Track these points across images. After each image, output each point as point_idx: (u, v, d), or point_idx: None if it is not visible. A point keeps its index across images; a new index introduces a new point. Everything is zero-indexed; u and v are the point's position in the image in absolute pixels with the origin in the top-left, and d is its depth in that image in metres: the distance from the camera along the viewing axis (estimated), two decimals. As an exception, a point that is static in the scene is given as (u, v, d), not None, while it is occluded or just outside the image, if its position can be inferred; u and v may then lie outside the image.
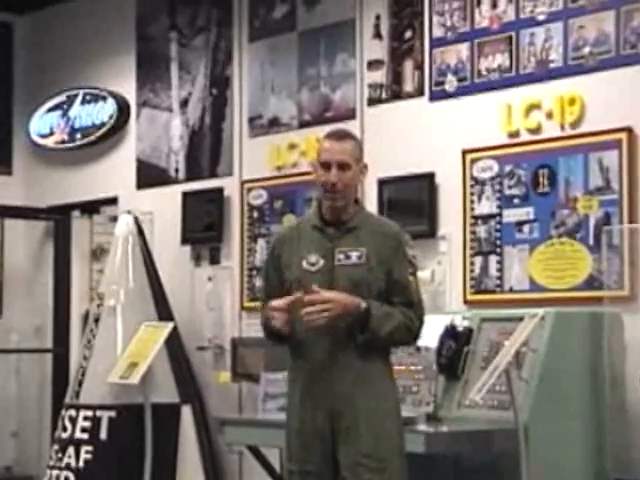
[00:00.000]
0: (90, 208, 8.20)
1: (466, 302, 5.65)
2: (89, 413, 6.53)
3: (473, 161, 5.68)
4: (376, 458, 3.78)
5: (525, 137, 5.51)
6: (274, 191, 6.68)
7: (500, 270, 5.55)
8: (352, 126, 5.99)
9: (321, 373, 3.83)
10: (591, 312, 5.00)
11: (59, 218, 8.27)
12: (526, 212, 5.47)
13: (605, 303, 5.04)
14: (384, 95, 6.17)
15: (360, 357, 3.83)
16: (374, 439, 3.79)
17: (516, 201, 5.51)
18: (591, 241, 5.21)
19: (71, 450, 6.51)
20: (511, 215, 5.52)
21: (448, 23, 5.85)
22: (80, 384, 6.68)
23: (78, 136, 7.91)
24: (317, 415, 3.83)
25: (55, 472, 6.55)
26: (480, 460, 4.67)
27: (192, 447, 6.63)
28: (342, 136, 3.97)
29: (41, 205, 8.29)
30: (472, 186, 5.67)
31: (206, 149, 7.14)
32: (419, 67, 5.99)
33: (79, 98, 7.90)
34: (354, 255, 3.87)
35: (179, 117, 7.31)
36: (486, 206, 5.62)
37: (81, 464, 6.46)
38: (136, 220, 6.97)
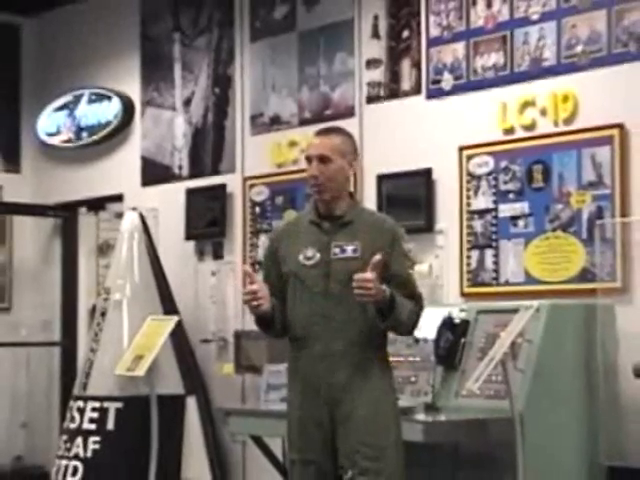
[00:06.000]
0: (96, 205, 8.20)
1: (463, 295, 5.66)
2: (96, 404, 6.54)
3: (469, 157, 5.68)
4: (373, 447, 3.79)
5: (520, 134, 5.51)
6: (275, 187, 6.69)
7: (496, 263, 5.55)
8: (351, 124, 6.01)
9: (320, 364, 3.83)
10: (585, 304, 5.00)
11: (66, 215, 8.28)
12: (521, 207, 5.47)
13: (598, 295, 5.04)
14: (382, 93, 6.17)
15: (358, 347, 3.83)
16: (372, 428, 3.80)
17: (511, 196, 5.51)
18: (584, 235, 5.22)
19: (79, 440, 6.52)
20: (506, 210, 5.52)
21: (444, 23, 5.85)
22: (88, 376, 6.69)
23: (84, 135, 7.92)
24: (316, 405, 3.83)
25: (64, 462, 6.56)
26: (477, 448, 4.67)
27: (197, 437, 6.65)
28: (327, 131, 4.02)
29: (49, 202, 8.30)
30: (468, 181, 5.67)
31: (209, 147, 7.14)
32: (416, 66, 5.99)
33: (85, 98, 7.91)
34: (349, 248, 3.87)
35: (182, 116, 7.31)
36: (482, 201, 5.62)
37: (89, 454, 6.48)
38: (141, 216, 6.99)
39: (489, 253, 5.58)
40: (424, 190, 5.85)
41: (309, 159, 3.94)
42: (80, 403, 6.63)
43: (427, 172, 5.86)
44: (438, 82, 5.87)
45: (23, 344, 8.19)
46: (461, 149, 5.71)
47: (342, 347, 3.82)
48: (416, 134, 5.97)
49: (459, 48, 5.77)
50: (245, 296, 3.85)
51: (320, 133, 4.00)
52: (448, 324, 5.00)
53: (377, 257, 3.70)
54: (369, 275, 3.68)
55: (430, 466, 4.76)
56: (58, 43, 8.30)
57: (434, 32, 5.90)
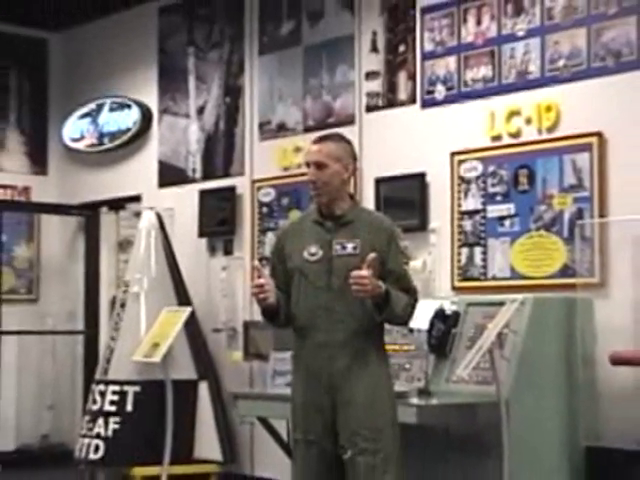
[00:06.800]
0: (117, 205, 8.20)
1: (454, 288, 5.65)
2: (116, 388, 6.55)
3: (460, 162, 5.67)
4: (371, 429, 3.77)
5: (506, 140, 5.51)
6: (281, 189, 6.68)
7: (484, 260, 5.54)
8: (351, 131, 6.01)
9: (322, 353, 3.81)
10: (565, 298, 4.99)
11: (89, 214, 8.28)
12: (507, 208, 5.46)
13: (578, 289, 5.04)
14: (380, 103, 6.16)
15: (357, 337, 3.81)
16: (369, 412, 3.78)
17: (498, 198, 5.50)
18: (566, 234, 5.21)
19: (101, 421, 6.53)
20: (494, 210, 5.51)
21: (437, 38, 5.84)
22: (108, 362, 6.69)
23: (106, 140, 7.92)
24: (318, 392, 3.81)
25: (87, 440, 6.57)
26: (466, 430, 4.66)
27: (208, 418, 6.65)
28: (323, 139, 3.97)
29: (73, 202, 8.30)
30: (459, 184, 5.67)
31: (220, 151, 7.14)
32: (412, 77, 5.98)
33: (107, 106, 7.91)
34: (350, 246, 3.85)
35: (196, 123, 7.31)
36: (472, 202, 5.62)
37: (109, 433, 6.48)
38: (158, 215, 6.99)
39: (478, 250, 5.58)
40: (418, 192, 5.84)
41: (307, 165, 3.92)
42: (101, 387, 6.63)
43: (421, 175, 5.85)
44: (432, 93, 5.86)
45: (50, 332, 8.21)
46: (452, 154, 5.70)
47: (342, 337, 3.81)
48: (411, 140, 5.96)
49: (451, 61, 5.77)
50: (253, 289, 3.83)
51: (317, 140, 3.96)
52: (440, 315, 4.99)
53: (371, 255, 3.69)
54: (364, 272, 3.66)
55: (423, 446, 4.76)
56: (82, 56, 8.31)
57: (428, 47, 5.89)
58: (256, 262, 4.09)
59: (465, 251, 5.63)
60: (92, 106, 8.02)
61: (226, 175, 7.08)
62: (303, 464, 3.87)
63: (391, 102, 6.10)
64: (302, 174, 6.34)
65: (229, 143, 7.08)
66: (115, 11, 7.92)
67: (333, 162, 3.87)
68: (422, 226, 5.80)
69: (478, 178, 5.59)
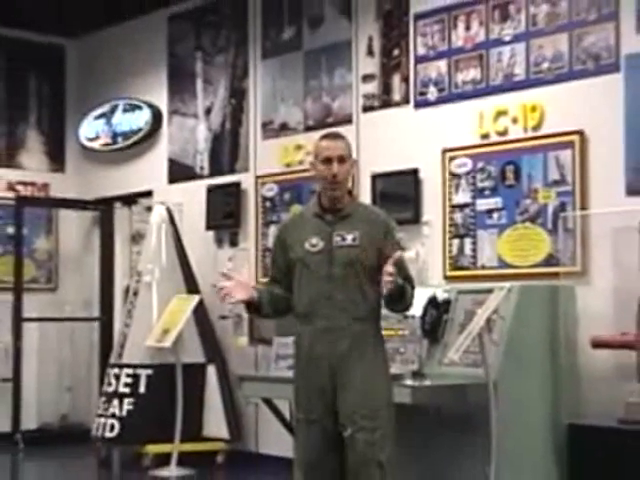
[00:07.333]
0: (129, 200, 8.20)
1: (445, 277, 5.65)
2: (130, 371, 6.56)
3: (451, 159, 5.67)
4: (369, 408, 3.76)
5: (494, 138, 5.50)
6: (283, 185, 6.68)
7: (474, 250, 5.54)
8: (349, 130, 6.00)
9: (323, 338, 3.80)
10: (549, 285, 5.00)
11: (104, 208, 8.28)
12: (495, 202, 5.46)
13: (561, 278, 5.05)
14: (376, 103, 6.15)
15: (357, 323, 3.80)
16: (367, 392, 3.77)
17: (487, 192, 5.50)
18: (549, 225, 5.21)
19: (116, 402, 6.54)
20: (483, 204, 5.52)
21: (430, 43, 5.83)
22: (122, 347, 6.70)
23: (119, 139, 7.91)
24: (319, 374, 3.80)
25: (102, 420, 6.58)
26: (457, 409, 4.67)
27: (216, 399, 6.65)
28: (336, 136, 3.93)
29: (89, 198, 8.29)
30: (450, 180, 5.67)
31: (226, 150, 7.13)
32: (405, 80, 5.97)
33: (120, 108, 7.90)
34: (349, 237, 3.83)
35: (204, 123, 7.30)
36: (462, 197, 5.61)
37: (124, 413, 6.50)
38: (168, 210, 7.00)
39: (468, 241, 5.58)
40: (412, 187, 5.84)
41: (329, 160, 3.79)
42: (116, 370, 6.64)
43: (414, 171, 5.85)
44: (424, 94, 5.86)
45: (68, 319, 8.20)
46: (444, 152, 5.70)
47: (344, 324, 3.79)
48: (405, 139, 5.95)
49: (442, 65, 5.76)
50: (218, 293, 3.79)
51: (332, 137, 3.88)
52: (433, 302, 4.99)
53: (398, 253, 3.67)
54: (392, 269, 3.64)
55: (417, 424, 4.77)
56: (97, 61, 8.29)
57: (421, 51, 5.89)
58: (224, 269, 4.01)
59: (456, 242, 5.63)
60: (106, 108, 8.01)
61: (232, 172, 7.08)
62: (305, 441, 3.86)
63: (386, 103, 6.09)
64: (303, 170, 6.37)
65: (234, 142, 7.07)
66: (128, 18, 7.90)
67: (348, 157, 3.86)
68: (416, 219, 5.79)
69: (468, 174, 5.59)
